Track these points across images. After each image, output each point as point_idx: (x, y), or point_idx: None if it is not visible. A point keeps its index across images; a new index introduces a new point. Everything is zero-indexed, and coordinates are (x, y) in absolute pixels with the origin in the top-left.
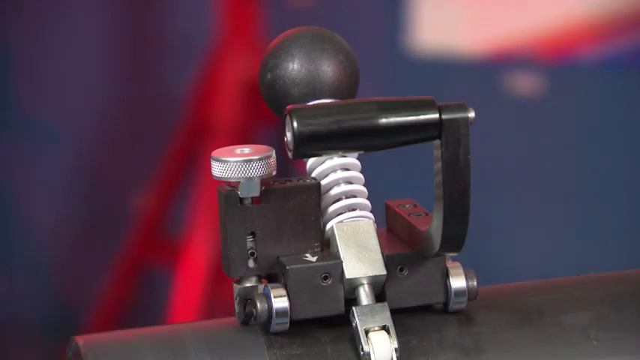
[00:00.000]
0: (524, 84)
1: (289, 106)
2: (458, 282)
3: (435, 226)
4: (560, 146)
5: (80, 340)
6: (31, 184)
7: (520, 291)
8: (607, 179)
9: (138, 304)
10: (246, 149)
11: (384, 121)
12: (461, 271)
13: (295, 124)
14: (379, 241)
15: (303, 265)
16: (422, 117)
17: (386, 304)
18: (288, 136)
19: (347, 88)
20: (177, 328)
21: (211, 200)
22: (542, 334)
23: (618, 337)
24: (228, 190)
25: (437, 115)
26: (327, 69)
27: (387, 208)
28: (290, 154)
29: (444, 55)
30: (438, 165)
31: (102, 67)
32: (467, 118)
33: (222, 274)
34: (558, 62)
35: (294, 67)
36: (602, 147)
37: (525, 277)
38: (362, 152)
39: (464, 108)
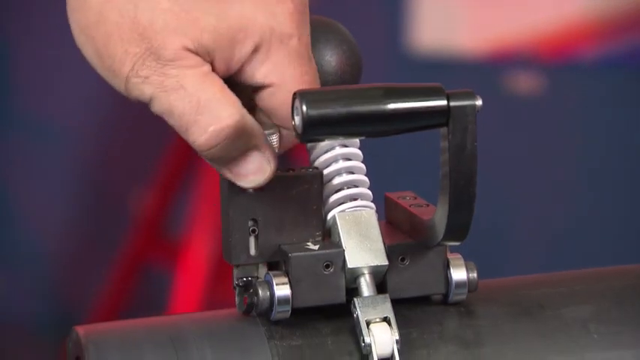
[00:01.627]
0: (525, 83)
1: (298, 90)
2: (459, 273)
3: (439, 215)
4: (560, 145)
5: (81, 330)
6: (31, 184)
7: (521, 284)
8: (607, 178)
9: (138, 303)
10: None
11: (391, 106)
12: (462, 262)
13: (304, 108)
14: (381, 232)
15: (305, 253)
16: (430, 103)
17: (387, 295)
18: (297, 119)
19: (350, 77)
20: (178, 319)
21: (211, 200)
22: (543, 327)
23: (619, 330)
24: None
25: (445, 102)
26: (331, 58)
27: (387, 200)
28: (297, 138)
29: (444, 55)
30: (445, 157)
31: None
32: (474, 106)
33: (222, 274)
34: (558, 62)
35: None
36: (602, 146)
37: (526, 271)
38: (366, 138)
39: (472, 95)
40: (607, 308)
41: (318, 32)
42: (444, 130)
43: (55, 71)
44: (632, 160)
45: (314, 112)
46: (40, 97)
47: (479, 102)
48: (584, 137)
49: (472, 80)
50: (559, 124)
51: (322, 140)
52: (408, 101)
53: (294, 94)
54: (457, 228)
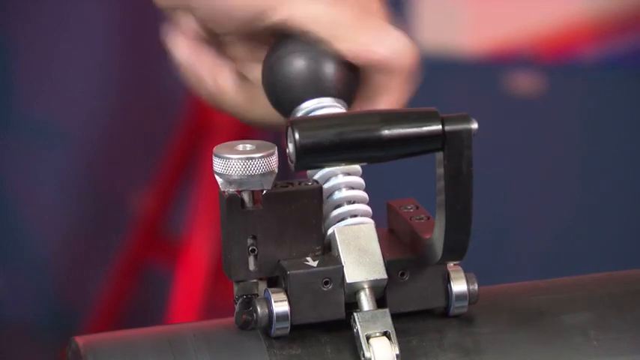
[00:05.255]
0: (525, 84)
1: (291, 118)
2: (459, 286)
3: (437, 235)
4: (560, 146)
5: (80, 341)
6: (31, 184)
7: (520, 291)
8: (607, 179)
9: (138, 304)
10: (249, 145)
11: (386, 133)
12: (462, 275)
13: (297, 136)
14: (380, 244)
15: (303, 271)
16: (424, 129)
17: (387, 310)
18: (290, 147)
19: (348, 86)
20: (177, 329)
21: (211, 200)
22: (543, 334)
23: (618, 337)
24: (230, 194)
25: (440, 127)
26: (330, 66)
27: (389, 208)
28: (292, 166)
29: (444, 55)
30: (440, 171)
31: (102, 67)
32: (470, 130)
33: (222, 274)
34: (558, 62)
35: (297, 63)
36: (603, 147)
37: (525, 277)
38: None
39: (467, 119)
40: (606, 314)
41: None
42: (439, 154)
43: (56, 71)
44: (633, 160)
45: (307, 141)
46: (40, 98)
47: (474, 125)
48: (585, 137)
49: (472, 80)
50: (559, 124)
51: (317, 168)
52: (402, 127)
53: (287, 122)
54: (455, 248)
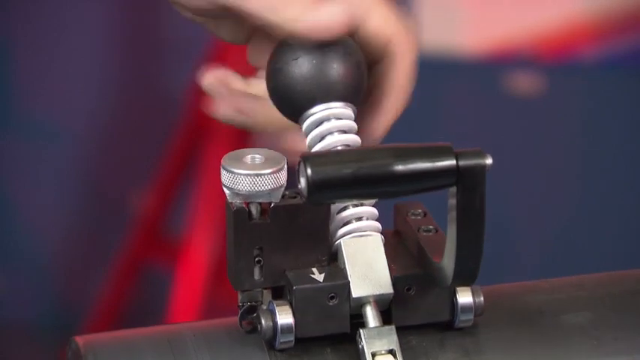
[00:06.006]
0: (525, 84)
1: (303, 153)
2: (465, 299)
3: (447, 261)
4: (560, 146)
5: (80, 340)
6: (30, 184)
7: (520, 291)
8: (607, 179)
9: (138, 303)
10: (257, 157)
11: (399, 168)
12: (467, 288)
13: (309, 172)
14: (387, 254)
15: (309, 286)
16: (438, 164)
17: (393, 327)
18: (302, 182)
19: (354, 89)
20: (177, 328)
21: (211, 200)
22: (543, 334)
23: (618, 337)
24: (238, 207)
25: (454, 162)
26: (336, 68)
27: (397, 211)
28: (303, 201)
29: (444, 55)
30: (452, 201)
31: (102, 67)
32: (484, 165)
33: (222, 274)
34: (559, 62)
35: (304, 67)
36: (603, 147)
37: (525, 277)
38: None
39: (481, 155)
40: (606, 314)
41: (327, 42)
42: (452, 189)
43: (56, 71)
44: (633, 160)
45: (319, 177)
46: (41, 97)
47: (489, 161)
48: (585, 137)
49: (472, 80)
50: (559, 124)
51: (330, 203)
52: (416, 162)
53: (300, 156)
54: (465, 275)
